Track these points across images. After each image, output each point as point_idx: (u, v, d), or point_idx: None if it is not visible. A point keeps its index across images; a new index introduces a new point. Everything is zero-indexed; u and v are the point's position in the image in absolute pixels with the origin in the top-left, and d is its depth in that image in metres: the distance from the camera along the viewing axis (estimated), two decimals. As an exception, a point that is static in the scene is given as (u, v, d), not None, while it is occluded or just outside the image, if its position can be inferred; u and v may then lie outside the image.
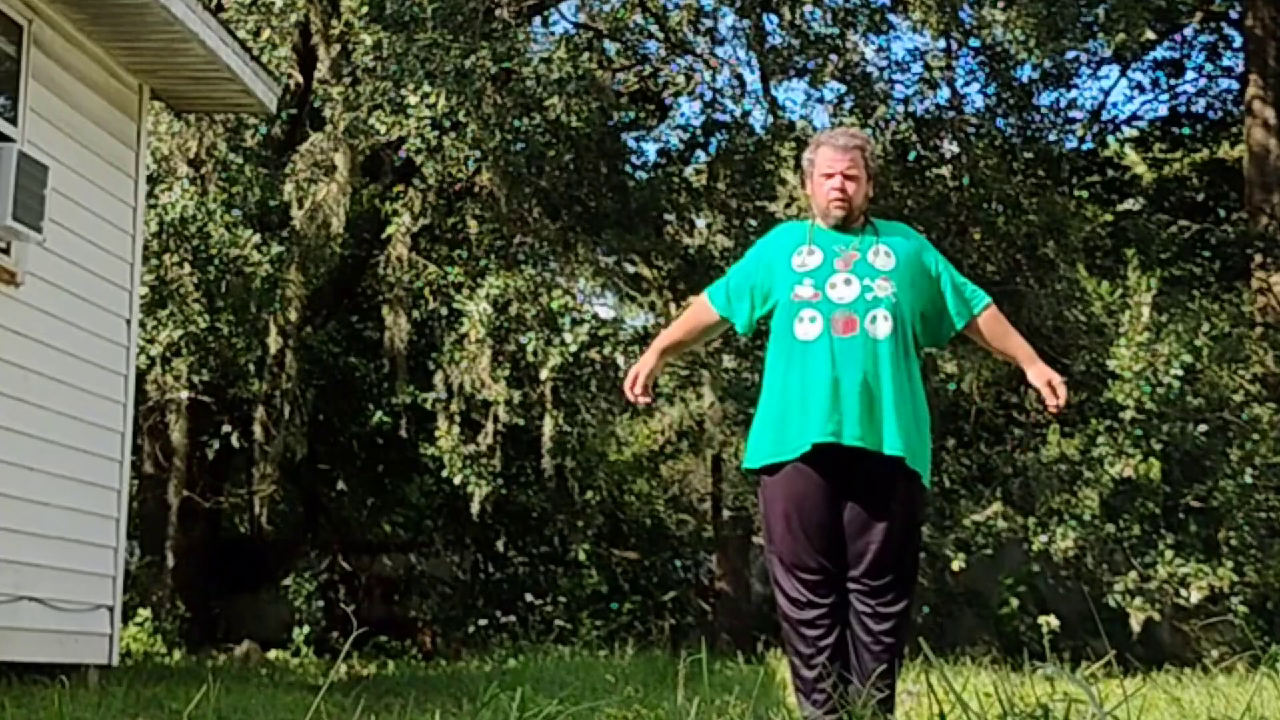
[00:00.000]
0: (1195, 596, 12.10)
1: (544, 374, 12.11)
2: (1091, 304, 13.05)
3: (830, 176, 4.82)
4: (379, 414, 13.85)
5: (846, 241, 4.77)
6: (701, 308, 5.06)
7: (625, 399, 5.10)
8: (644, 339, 13.28)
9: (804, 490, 4.61)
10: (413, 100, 11.47)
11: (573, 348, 11.95)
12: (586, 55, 12.52)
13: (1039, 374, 4.83)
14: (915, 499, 4.68)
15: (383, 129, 11.73)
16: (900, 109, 13.95)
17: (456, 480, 12.55)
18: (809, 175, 4.93)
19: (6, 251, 7.43)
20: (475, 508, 12.67)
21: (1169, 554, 12.25)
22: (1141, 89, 18.99)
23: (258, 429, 13.15)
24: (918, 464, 4.62)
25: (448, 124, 11.79)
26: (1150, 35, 15.64)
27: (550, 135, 12.14)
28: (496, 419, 12.61)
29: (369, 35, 11.68)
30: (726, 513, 16.65)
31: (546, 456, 13.39)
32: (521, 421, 12.88)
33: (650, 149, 15.24)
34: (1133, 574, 12.42)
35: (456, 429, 12.62)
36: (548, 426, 12.98)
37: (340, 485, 15.78)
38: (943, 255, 5.04)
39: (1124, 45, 14.05)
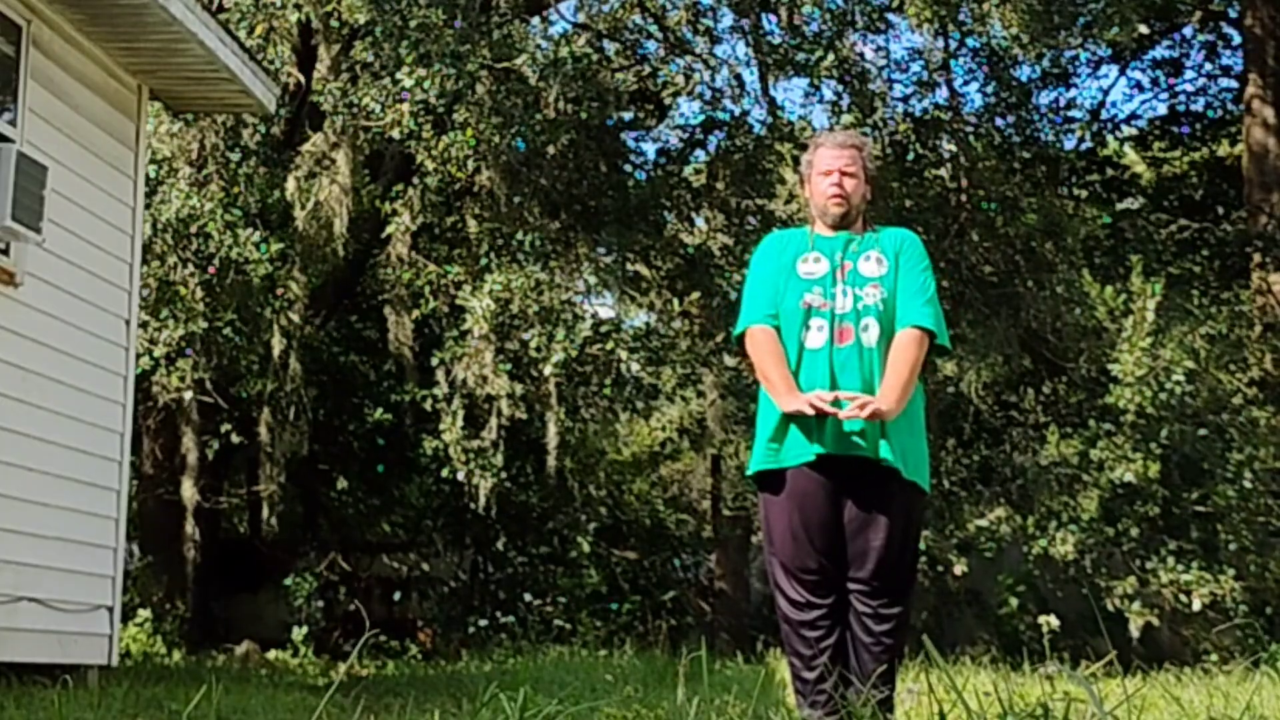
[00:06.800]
0: (1197, 604, 12.10)
1: (547, 370, 12.12)
2: (1095, 308, 13.06)
3: (828, 174, 4.83)
4: (379, 410, 13.85)
5: (845, 248, 4.78)
6: (764, 333, 4.76)
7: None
8: (645, 337, 13.31)
9: (805, 490, 4.64)
10: (408, 83, 11.49)
11: (577, 342, 11.97)
12: (583, 40, 12.53)
13: (861, 405, 4.52)
14: (913, 503, 4.70)
15: (377, 108, 11.74)
16: (899, 109, 13.95)
17: (460, 475, 12.55)
18: (807, 178, 4.94)
19: (6, 252, 7.43)
20: (481, 500, 12.66)
21: (1170, 560, 12.25)
22: (1140, 88, 19.02)
23: (263, 430, 13.15)
24: (915, 472, 4.65)
25: (441, 108, 11.80)
26: (1146, 31, 15.62)
27: (548, 132, 12.14)
28: (500, 413, 12.60)
29: (361, 15, 11.70)
30: (726, 512, 16.65)
31: (551, 455, 13.37)
32: (524, 416, 12.88)
33: (649, 148, 15.25)
34: (1131, 578, 12.42)
35: (460, 424, 12.62)
36: (552, 424, 12.98)
37: (340, 485, 15.78)
38: (938, 258, 5.02)
39: (1118, 41, 14.04)
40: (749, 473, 4.88)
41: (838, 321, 4.66)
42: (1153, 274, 12.92)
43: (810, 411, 4.54)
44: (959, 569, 12.82)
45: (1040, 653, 10.87)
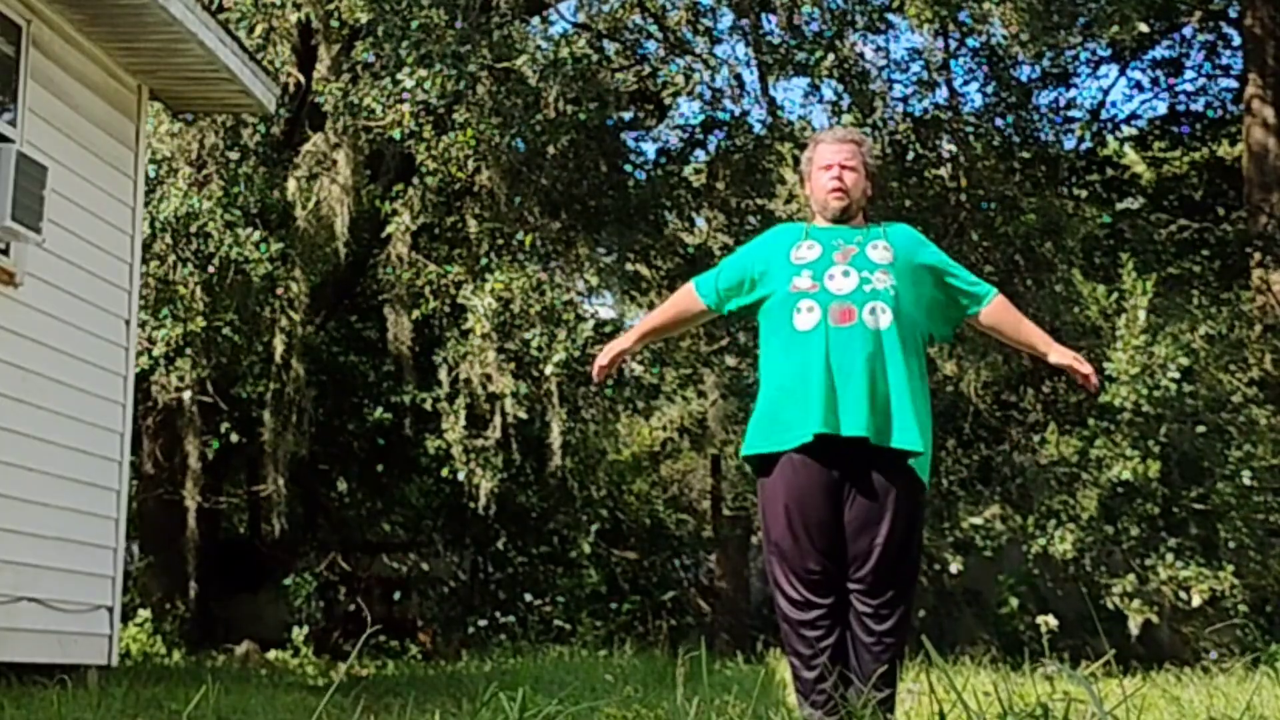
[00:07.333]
0: (1196, 600, 12.11)
1: (549, 369, 12.12)
2: (1088, 307, 13.08)
3: (828, 168, 4.83)
4: (380, 411, 13.85)
5: (846, 236, 4.77)
6: (688, 296, 5.10)
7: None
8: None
9: (804, 487, 4.57)
10: (409, 84, 11.50)
11: (579, 342, 11.98)
12: (584, 41, 12.53)
13: (1061, 355, 4.79)
14: (917, 497, 4.65)
15: (378, 109, 11.75)
16: (899, 109, 13.95)
17: (461, 475, 12.55)
18: (807, 174, 4.94)
19: (6, 252, 7.43)
20: (482, 500, 12.66)
21: (1169, 557, 12.27)
22: (1140, 88, 19.03)
23: (266, 430, 13.15)
24: (922, 459, 4.60)
25: (442, 108, 11.81)
26: (1146, 30, 15.62)
27: (549, 132, 12.15)
28: (504, 412, 12.60)
29: (363, 14, 11.71)
30: (726, 512, 16.66)
31: (555, 455, 13.38)
32: (525, 416, 12.88)
33: (650, 148, 15.27)
34: (1131, 576, 12.43)
35: (462, 423, 12.62)
36: (555, 425, 12.98)
37: (340, 485, 15.78)
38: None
39: (1118, 39, 14.05)
40: (742, 454, 4.85)
41: (835, 302, 4.59)
42: (1146, 272, 12.91)
43: (603, 364, 5.03)
44: (954, 567, 12.83)
45: (1040, 653, 10.87)
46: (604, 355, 5.03)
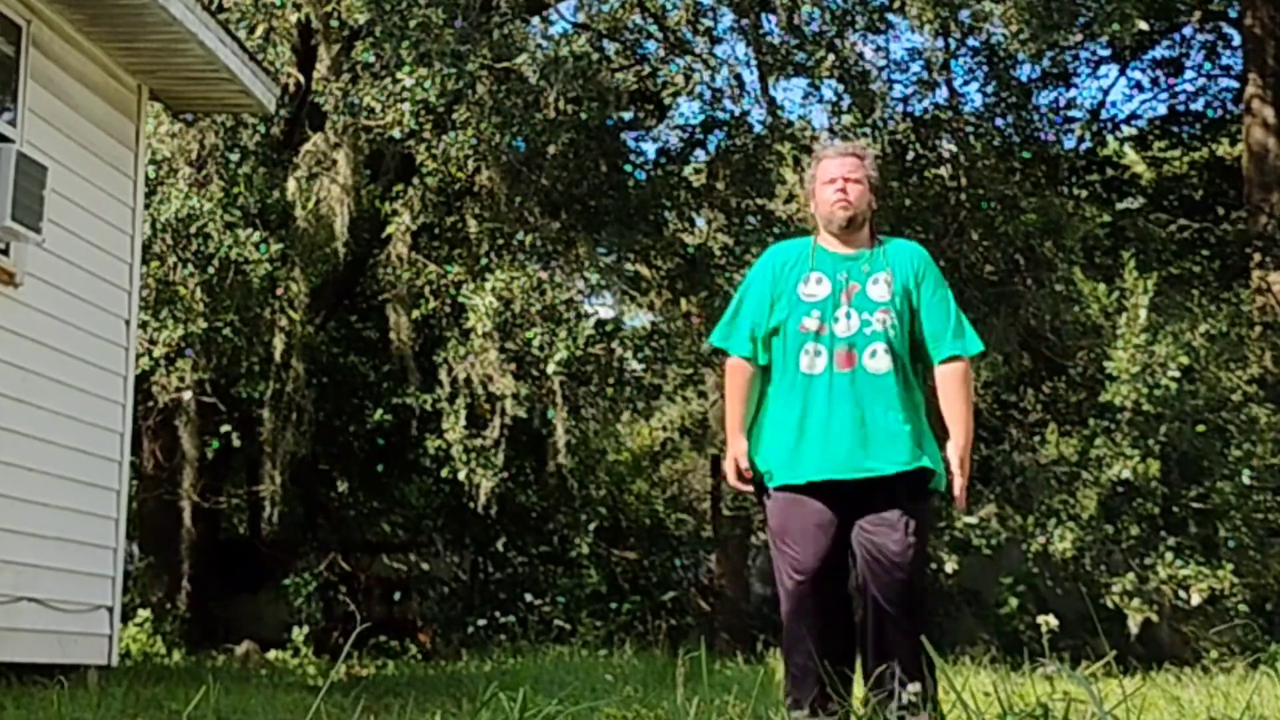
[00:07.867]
0: (1196, 599, 12.12)
1: (550, 368, 12.12)
2: (1088, 306, 13.09)
3: (832, 182, 4.85)
4: (380, 411, 13.85)
5: (850, 268, 4.77)
6: (739, 371, 4.88)
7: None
8: (648, 337, 13.32)
9: (811, 503, 4.67)
10: (408, 84, 11.50)
11: (580, 341, 11.97)
12: (584, 41, 12.52)
13: (954, 459, 4.70)
14: (921, 505, 4.71)
15: (378, 109, 11.75)
16: (899, 109, 13.95)
17: (461, 475, 12.55)
18: (811, 191, 4.95)
19: (5, 252, 7.43)
20: (481, 500, 12.66)
21: (1169, 555, 12.27)
22: (1140, 88, 19.04)
23: (266, 430, 13.15)
24: (928, 477, 4.67)
25: (441, 108, 11.81)
26: (1145, 28, 15.64)
27: (549, 132, 12.15)
28: (504, 412, 12.60)
29: (361, 15, 11.71)
30: (726, 512, 16.64)
31: (559, 454, 13.36)
32: (525, 415, 12.87)
33: (650, 148, 15.26)
34: (1130, 575, 12.44)
35: (462, 423, 12.62)
36: (559, 425, 12.97)
37: (340, 485, 15.77)
38: (937, 257, 5.03)
39: (1118, 37, 14.04)
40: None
41: (839, 346, 4.67)
42: (1146, 271, 12.92)
43: (732, 473, 4.85)
44: (950, 566, 12.83)
45: (1040, 653, 10.87)
46: (735, 467, 4.82)
